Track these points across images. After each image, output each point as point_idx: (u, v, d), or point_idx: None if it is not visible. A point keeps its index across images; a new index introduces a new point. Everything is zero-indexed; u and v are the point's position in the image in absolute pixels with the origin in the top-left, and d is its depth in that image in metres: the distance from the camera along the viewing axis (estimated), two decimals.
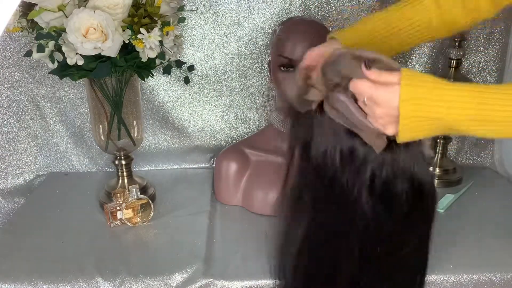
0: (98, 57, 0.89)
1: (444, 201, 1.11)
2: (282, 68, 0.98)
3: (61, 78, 0.95)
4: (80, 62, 0.88)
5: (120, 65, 0.92)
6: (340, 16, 1.16)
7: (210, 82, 1.21)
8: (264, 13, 1.15)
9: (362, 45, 0.71)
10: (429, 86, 0.56)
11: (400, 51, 0.79)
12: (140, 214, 1.01)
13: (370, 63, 0.57)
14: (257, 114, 1.26)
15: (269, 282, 0.84)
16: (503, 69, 1.25)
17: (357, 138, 0.62)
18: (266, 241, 0.92)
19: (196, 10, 1.14)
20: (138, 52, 0.90)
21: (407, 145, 0.60)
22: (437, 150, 1.24)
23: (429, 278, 0.86)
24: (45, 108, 1.20)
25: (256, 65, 1.20)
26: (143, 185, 1.11)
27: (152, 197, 1.10)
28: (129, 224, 1.00)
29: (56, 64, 0.91)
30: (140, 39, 0.87)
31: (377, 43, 0.72)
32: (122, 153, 1.07)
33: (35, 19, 0.87)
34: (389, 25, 0.72)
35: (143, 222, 1.02)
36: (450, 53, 1.15)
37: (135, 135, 1.07)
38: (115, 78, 0.97)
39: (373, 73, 0.57)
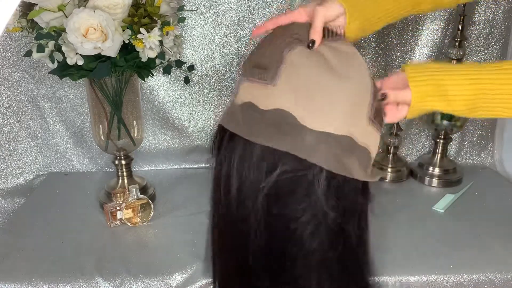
0: (98, 57, 0.89)
1: (444, 201, 1.11)
2: None
3: (61, 78, 0.94)
4: (80, 62, 0.88)
5: (120, 65, 0.92)
6: None
7: (210, 82, 1.21)
8: (264, 13, 1.15)
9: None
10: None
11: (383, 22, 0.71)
12: (140, 214, 1.01)
13: (382, 97, 0.60)
14: None
15: None
16: None
17: None
18: None
19: (196, 10, 1.13)
20: (138, 52, 0.90)
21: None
22: (437, 150, 1.24)
23: (429, 278, 0.86)
24: (45, 108, 1.20)
25: None
26: (143, 185, 1.11)
27: (152, 197, 1.10)
28: (129, 224, 1.00)
29: (56, 64, 0.91)
30: (140, 39, 0.87)
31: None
32: (122, 153, 1.07)
33: (35, 19, 0.87)
34: None
35: (143, 222, 1.02)
36: (450, 53, 1.14)
37: (135, 135, 1.07)
38: (115, 78, 0.97)
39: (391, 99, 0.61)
